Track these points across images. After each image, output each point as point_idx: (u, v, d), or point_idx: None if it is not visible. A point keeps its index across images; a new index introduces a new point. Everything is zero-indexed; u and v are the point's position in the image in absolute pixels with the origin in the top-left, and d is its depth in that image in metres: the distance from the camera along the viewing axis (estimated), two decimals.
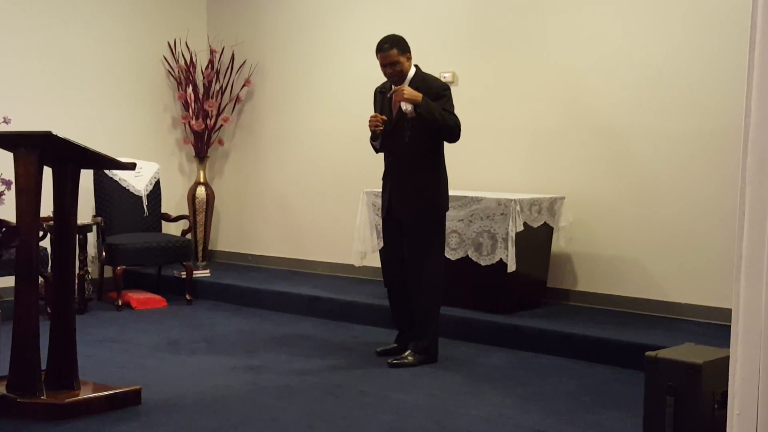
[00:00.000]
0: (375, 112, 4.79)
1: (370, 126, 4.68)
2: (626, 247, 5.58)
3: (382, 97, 4.79)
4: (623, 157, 5.59)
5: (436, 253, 4.78)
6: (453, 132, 4.66)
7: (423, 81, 4.68)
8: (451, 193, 5.62)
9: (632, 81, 5.53)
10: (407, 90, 4.56)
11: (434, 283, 4.76)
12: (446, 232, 5.50)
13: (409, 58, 4.68)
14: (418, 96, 4.54)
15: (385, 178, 4.85)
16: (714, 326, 5.01)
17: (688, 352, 3.43)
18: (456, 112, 5.06)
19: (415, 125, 4.61)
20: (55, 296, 3.99)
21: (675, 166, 5.38)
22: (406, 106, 4.58)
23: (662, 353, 3.42)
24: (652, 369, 3.38)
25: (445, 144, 4.75)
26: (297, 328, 5.72)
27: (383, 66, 4.67)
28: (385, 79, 4.80)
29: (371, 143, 4.84)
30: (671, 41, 5.37)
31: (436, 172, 4.75)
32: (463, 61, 6.27)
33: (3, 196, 3.67)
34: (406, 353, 4.75)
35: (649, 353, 3.42)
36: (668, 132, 5.39)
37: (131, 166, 4.05)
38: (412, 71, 4.69)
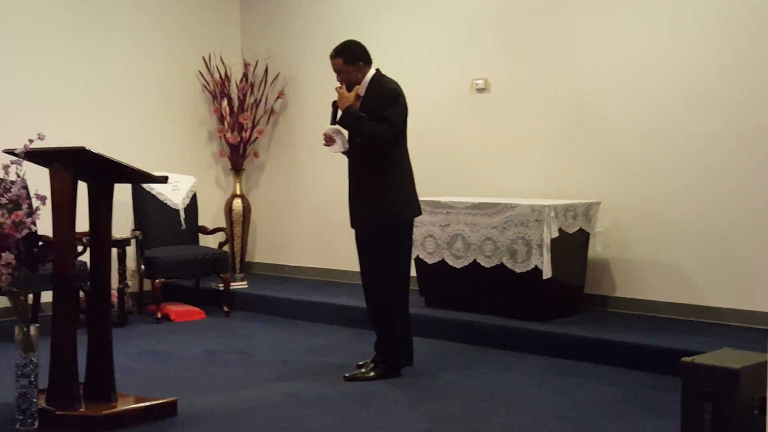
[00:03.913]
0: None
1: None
2: (663, 251, 5.50)
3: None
4: (658, 160, 5.52)
5: (392, 268, 4.57)
6: (370, 143, 4.47)
7: (375, 86, 4.57)
8: (484, 200, 5.64)
9: (668, 83, 5.46)
10: (341, 93, 4.55)
11: (387, 299, 4.60)
12: (480, 239, 5.50)
13: (362, 67, 4.56)
14: (346, 102, 4.51)
15: None
16: (754, 330, 4.92)
17: (725, 357, 3.36)
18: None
19: None
20: (91, 309, 4.05)
21: (712, 168, 5.30)
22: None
23: (699, 359, 3.36)
24: (689, 375, 3.32)
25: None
26: (331, 338, 5.73)
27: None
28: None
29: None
30: (708, 41, 5.30)
31: (387, 179, 4.54)
32: (495, 67, 6.25)
33: (38, 211, 3.73)
34: (368, 367, 4.62)
35: (685, 359, 3.36)
36: (705, 134, 5.31)
37: (164, 180, 4.10)
38: (370, 74, 4.59)
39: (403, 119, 4.59)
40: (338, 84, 4.63)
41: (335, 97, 4.60)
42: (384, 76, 4.64)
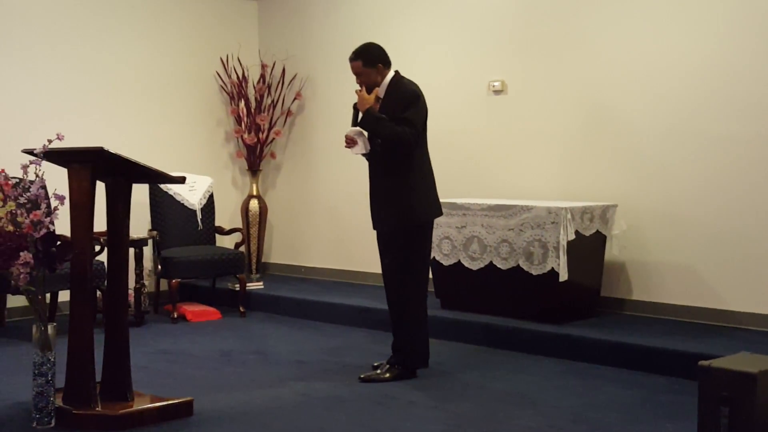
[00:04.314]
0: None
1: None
2: (681, 254, 5.47)
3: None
4: (676, 162, 5.49)
5: (412, 269, 4.60)
6: (390, 144, 4.48)
7: (394, 88, 4.59)
8: (500, 201, 5.63)
9: (685, 84, 5.43)
10: (361, 95, 4.56)
11: (409, 302, 4.62)
12: (497, 241, 5.49)
13: (381, 70, 4.58)
14: (366, 104, 4.51)
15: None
16: None
17: (743, 361, 3.34)
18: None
19: None
20: (109, 309, 4.07)
21: (730, 169, 5.26)
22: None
23: (716, 362, 3.33)
24: (706, 379, 3.30)
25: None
26: (348, 339, 5.73)
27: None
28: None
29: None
30: (725, 42, 5.27)
31: (410, 180, 4.56)
32: (511, 69, 6.24)
33: (57, 211, 3.75)
34: (384, 369, 4.64)
35: (702, 362, 3.34)
36: (723, 135, 5.28)
37: (181, 180, 4.11)
38: (389, 77, 4.61)
39: (423, 120, 4.60)
40: (358, 86, 4.64)
41: (355, 99, 4.61)
42: (403, 77, 4.65)
